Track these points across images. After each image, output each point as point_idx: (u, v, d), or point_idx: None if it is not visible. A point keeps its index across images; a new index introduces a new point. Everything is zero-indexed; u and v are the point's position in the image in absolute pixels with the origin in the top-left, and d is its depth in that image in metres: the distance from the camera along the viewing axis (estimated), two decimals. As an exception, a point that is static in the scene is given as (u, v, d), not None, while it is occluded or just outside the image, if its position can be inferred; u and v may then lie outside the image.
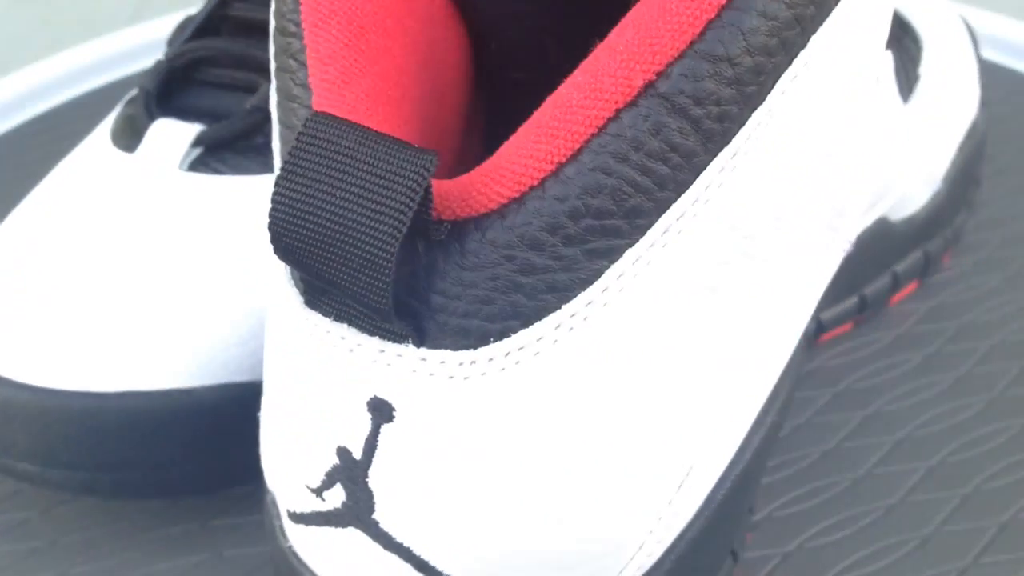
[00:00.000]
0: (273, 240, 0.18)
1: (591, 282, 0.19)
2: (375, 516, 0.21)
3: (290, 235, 0.18)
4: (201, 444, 0.27)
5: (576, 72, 0.19)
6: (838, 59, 0.20)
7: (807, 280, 0.23)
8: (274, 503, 0.24)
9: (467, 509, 0.20)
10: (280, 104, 0.21)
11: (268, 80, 0.31)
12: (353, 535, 0.21)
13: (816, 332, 0.34)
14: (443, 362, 0.19)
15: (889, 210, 0.33)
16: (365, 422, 0.20)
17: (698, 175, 0.19)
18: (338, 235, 0.18)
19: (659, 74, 0.19)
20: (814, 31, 0.19)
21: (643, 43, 0.19)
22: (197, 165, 0.29)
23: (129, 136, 0.31)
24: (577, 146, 0.19)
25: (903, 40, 0.35)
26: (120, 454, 0.27)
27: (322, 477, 0.21)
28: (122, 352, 0.27)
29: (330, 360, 0.20)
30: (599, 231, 0.19)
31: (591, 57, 0.19)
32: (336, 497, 0.21)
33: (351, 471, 0.20)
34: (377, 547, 0.21)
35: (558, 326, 0.19)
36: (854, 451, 0.32)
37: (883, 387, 0.34)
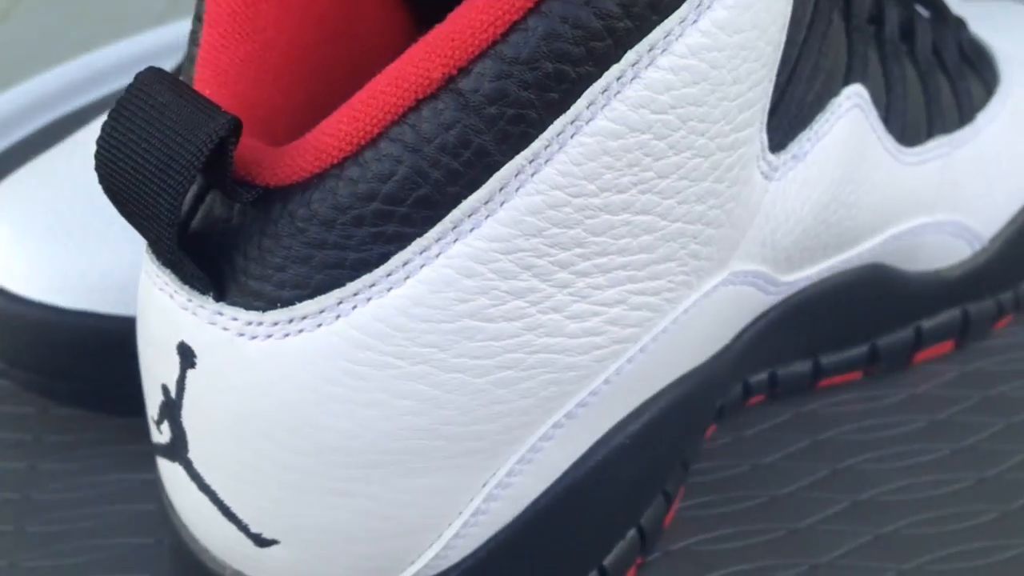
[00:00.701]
0: (100, 181, 0.20)
1: (376, 265, 0.20)
2: (189, 455, 0.22)
3: (109, 178, 0.20)
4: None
5: (394, 61, 0.20)
6: (672, 80, 0.20)
7: (642, 302, 0.22)
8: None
9: (254, 465, 0.21)
10: (184, 67, 0.23)
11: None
12: (178, 470, 0.23)
13: (813, 375, 0.32)
14: (235, 319, 0.20)
15: (897, 260, 0.31)
16: (175, 365, 0.21)
17: (491, 174, 0.19)
18: (139, 184, 0.19)
19: (461, 70, 0.19)
20: (630, 46, 0.19)
21: (448, 39, 0.19)
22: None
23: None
24: (377, 131, 0.19)
25: (967, 63, 0.33)
26: (73, 366, 0.30)
27: (157, 410, 0.22)
28: (85, 276, 0.29)
29: (157, 303, 0.21)
30: (388, 216, 0.20)
31: (409, 48, 0.20)
32: (167, 431, 0.22)
33: (170, 409, 0.22)
34: (193, 486, 0.22)
35: (340, 302, 0.20)
36: (809, 502, 0.30)
37: (869, 444, 0.32)
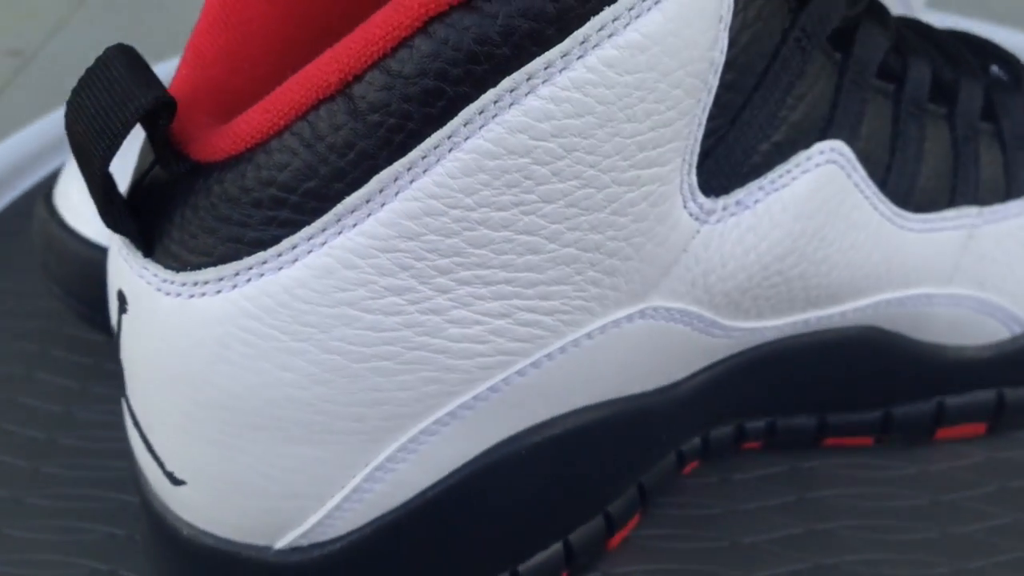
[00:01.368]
0: (68, 138, 0.23)
1: (269, 245, 0.22)
2: (127, 391, 0.25)
3: (71, 137, 0.23)
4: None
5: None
6: (552, 110, 0.21)
7: (531, 319, 0.23)
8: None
9: (163, 409, 0.24)
10: None
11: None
12: (125, 403, 0.26)
13: (817, 431, 0.32)
14: (155, 275, 0.23)
15: (903, 327, 0.30)
16: (115, 307, 0.24)
17: (371, 176, 0.21)
18: (85, 144, 0.22)
19: (355, 77, 0.21)
20: (508, 72, 0.20)
21: (348, 48, 0.21)
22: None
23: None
24: (283, 125, 0.22)
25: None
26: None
27: (115, 345, 0.25)
28: None
29: (112, 250, 0.24)
30: (282, 203, 0.22)
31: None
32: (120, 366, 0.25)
33: (115, 347, 0.25)
34: (131, 421, 0.25)
35: (237, 273, 0.22)
36: (770, 555, 0.30)
37: (856, 511, 0.31)
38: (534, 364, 0.24)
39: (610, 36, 0.21)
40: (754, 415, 0.31)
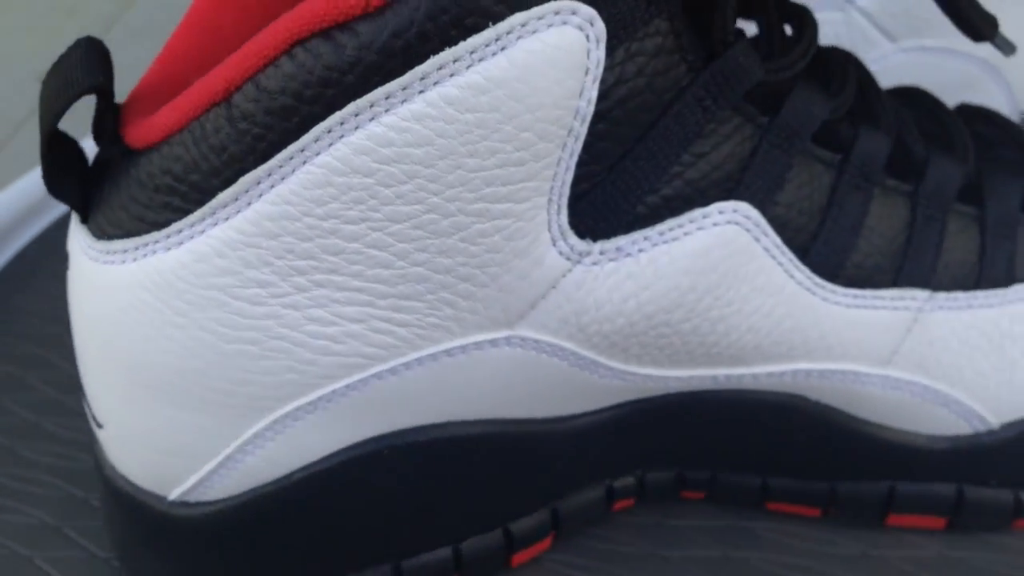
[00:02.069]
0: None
1: (162, 227, 0.25)
2: (75, 339, 0.28)
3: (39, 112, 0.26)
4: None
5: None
6: (393, 137, 0.22)
7: (385, 328, 0.25)
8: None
9: (84, 357, 0.27)
10: None
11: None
12: (75, 350, 0.29)
13: (760, 493, 0.32)
14: (84, 239, 0.26)
15: (834, 401, 0.30)
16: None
17: (239, 177, 0.24)
18: (40, 119, 0.26)
19: (237, 88, 0.23)
20: (353, 98, 0.22)
21: (236, 60, 0.23)
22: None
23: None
24: (184, 122, 0.24)
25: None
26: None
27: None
28: None
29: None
30: (174, 191, 0.24)
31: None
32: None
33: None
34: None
35: (137, 247, 0.25)
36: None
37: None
38: (392, 371, 0.25)
39: (451, 75, 0.22)
40: (693, 465, 0.32)
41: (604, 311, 0.26)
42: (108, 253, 0.26)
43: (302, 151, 0.23)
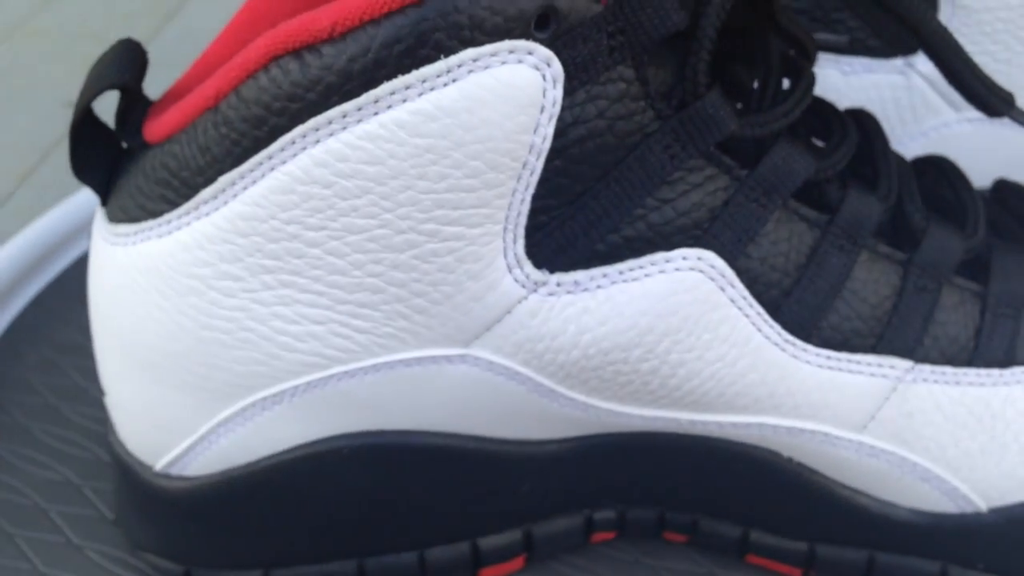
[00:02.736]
0: None
1: (157, 216, 0.27)
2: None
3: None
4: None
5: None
6: (348, 153, 0.24)
7: (343, 332, 0.26)
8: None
9: (93, 327, 0.30)
10: None
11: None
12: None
13: (740, 544, 0.32)
14: (101, 221, 0.29)
15: (807, 460, 0.29)
16: (92, 241, 0.30)
17: (219, 176, 0.25)
18: (75, 109, 0.29)
19: (225, 96, 0.25)
20: (314, 114, 0.24)
21: (226, 71, 0.26)
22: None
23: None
24: (185, 122, 0.27)
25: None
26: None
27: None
28: None
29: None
30: (168, 184, 0.27)
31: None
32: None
33: (93, 275, 0.31)
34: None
35: (136, 233, 0.27)
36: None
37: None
38: (350, 374, 0.27)
39: (403, 101, 0.23)
40: (673, 506, 0.32)
41: (559, 342, 0.26)
42: (115, 235, 0.28)
43: (270, 158, 0.25)
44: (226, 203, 0.25)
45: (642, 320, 0.26)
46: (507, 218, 0.25)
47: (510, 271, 0.26)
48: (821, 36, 0.37)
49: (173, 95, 0.29)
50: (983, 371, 0.29)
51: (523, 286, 0.26)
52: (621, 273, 0.26)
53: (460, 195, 0.24)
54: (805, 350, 0.28)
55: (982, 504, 0.29)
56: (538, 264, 0.26)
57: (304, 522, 0.30)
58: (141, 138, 0.28)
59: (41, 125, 0.63)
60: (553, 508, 0.31)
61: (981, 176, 0.38)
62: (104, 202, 0.29)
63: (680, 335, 0.27)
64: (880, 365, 0.28)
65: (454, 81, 0.23)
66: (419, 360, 0.27)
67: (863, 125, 0.30)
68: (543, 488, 0.30)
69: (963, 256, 0.29)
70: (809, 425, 0.28)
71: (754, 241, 0.27)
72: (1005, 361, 0.29)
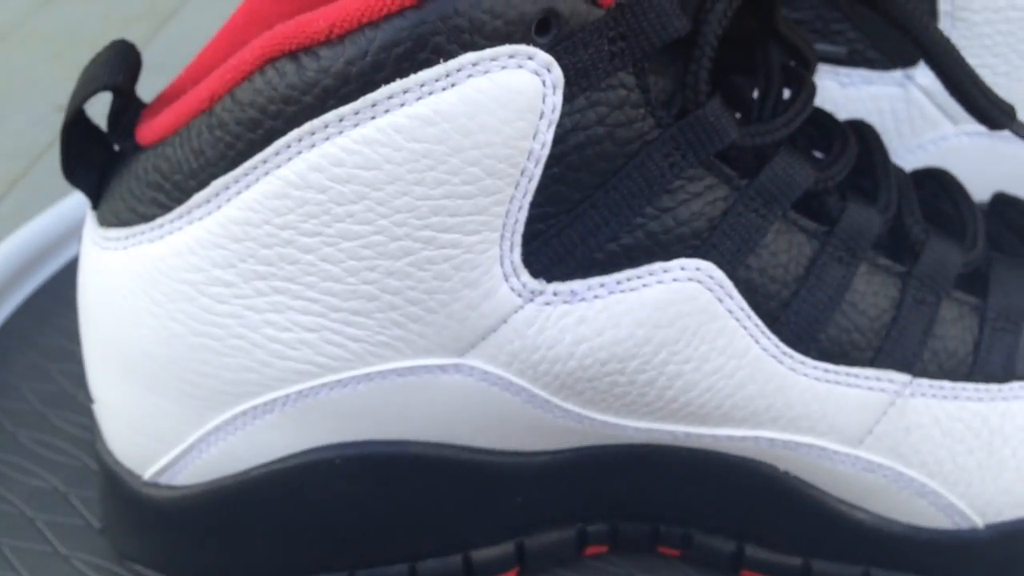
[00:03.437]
0: None
1: (149, 220, 0.27)
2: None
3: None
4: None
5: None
6: (344, 158, 0.24)
7: (337, 340, 0.26)
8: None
9: (80, 330, 0.29)
10: None
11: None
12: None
13: (734, 559, 0.31)
14: (91, 224, 0.28)
15: (803, 473, 0.29)
16: (82, 243, 0.30)
17: (212, 180, 0.25)
18: (66, 111, 0.28)
19: (219, 98, 0.25)
20: (310, 117, 0.24)
21: (220, 73, 0.25)
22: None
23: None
24: (178, 125, 0.26)
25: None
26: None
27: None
28: None
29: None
30: (160, 188, 0.26)
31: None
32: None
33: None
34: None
35: (127, 237, 0.27)
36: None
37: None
38: (342, 383, 0.26)
39: (401, 105, 0.23)
40: (667, 520, 0.31)
41: (555, 351, 0.26)
42: (106, 240, 0.27)
43: (265, 162, 0.24)
44: (219, 207, 0.25)
45: (639, 331, 0.26)
46: (504, 225, 0.25)
47: (507, 280, 0.25)
48: (820, 47, 0.37)
49: (167, 97, 0.29)
50: (981, 386, 0.28)
51: (519, 295, 0.26)
52: (619, 283, 0.26)
53: (457, 202, 0.24)
54: (803, 362, 0.27)
55: (978, 520, 0.29)
56: (535, 273, 0.26)
57: (295, 533, 0.29)
58: (133, 140, 0.28)
59: (34, 129, 0.63)
60: (546, 520, 0.31)
61: (979, 189, 0.38)
62: (95, 205, 0.28)
63: (677, 346, 0.26)
64: (878, 379, 0.28)
65: (453, 86, 0.23)
66: (413, 369, 0.26)
67: (863, 136, 0.30)
68: (536, 500, 0.30)
69: (962, 269, 0.28)
70: (806, 439, 0.28)
71: (753, 252, 0.26)
72: (1003, 376, 0.29)
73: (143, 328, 0.27)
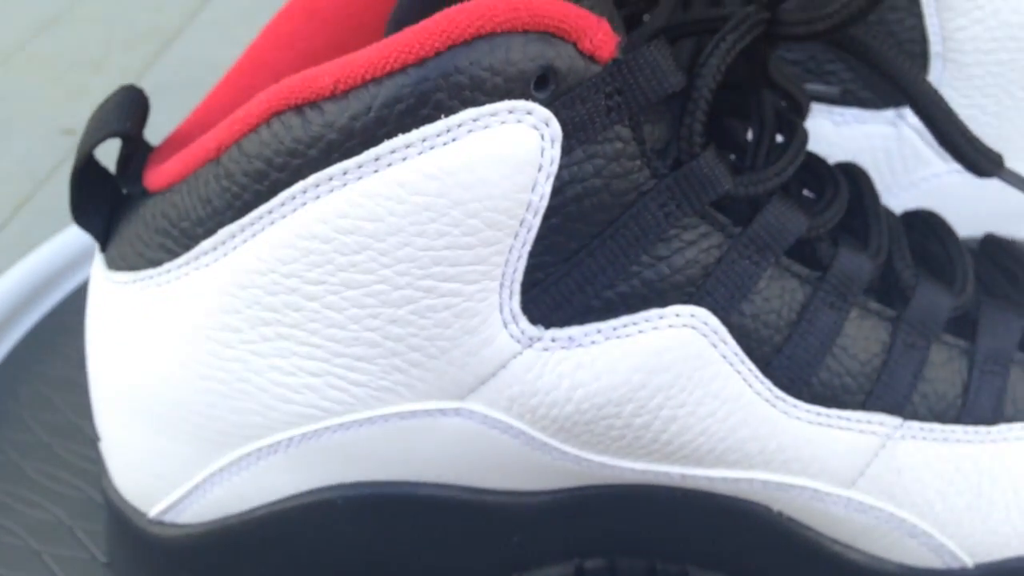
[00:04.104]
0: None
1: (156, 265, 0.27)
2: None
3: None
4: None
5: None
6: (348, 210, 0.24)
7: (340, 384, 0.26)
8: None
9: (88, 368, 0.30)
10: None
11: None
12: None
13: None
14: (100, 266, 0.29)
15: (797, 515, 0.29)
16: (92, 282, 0.31)
17: (219, 228, 0.26)
18: (75, 158, 0.29)
19: (226, 148, 0.26)
20: (316, 170, 0.24)
21: (228, 124, 0.26)
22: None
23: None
24: (185, 173, 0.27)
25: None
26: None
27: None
28: None
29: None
30: (168, 234, 0.27)
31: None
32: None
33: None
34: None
35: (135, 281, 0.28)
36: None
37: None
38: (345, 426, 0.27)
39: (403, 160, 0.24)
40: (665, 557, 0.32)
41: (553, 396, 0.27)
42: (114, 283, 0.28)
43: (271, 212, 0.25)
44: (226, 255, 0.26)
45: (635, 376, 0.27)
46: (503, 274, 0.25)
47: (506, 326, 0.26)
48: (814, 87, 0.37)
49: (174, 142, 0.29)
50: (970, 428, 0.29)
51: (518, 341, 0.26)
52: (615, 329, 0.26)
53: (457, 252, 0.25)
54: (795, 406, 0.28)
55: (968, 560, 0.30)
56: (533, 320, 0.26)
57: (297, 572, 0.30)
58: (141, 186, 0.28)
59: (38, 153, 0.64)
60: (544, 557, 0.31)
61: (971, 227, 0.39)
62: (103, 248, 0.29)
63: (672, 391, 0.27)
64: (869, 422, 0.28)
65: (454, 140, 0.24)
66: (414, 413, 0.27)
67: (855, 180, 0.30)
68: (535, 538, 0.30)
69: (951, 314, 0.29)
70: (799, 481, 0.29)
71: (746, 298, 0.27)
72: (992, 418, 0.29)
73: (150, 370, 0.28)
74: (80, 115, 0.28)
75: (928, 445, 0.29)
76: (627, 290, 0.26)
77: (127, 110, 0.28)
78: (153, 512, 0.30)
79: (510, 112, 0.24)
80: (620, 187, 0.25)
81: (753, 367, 0.27)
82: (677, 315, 0.27)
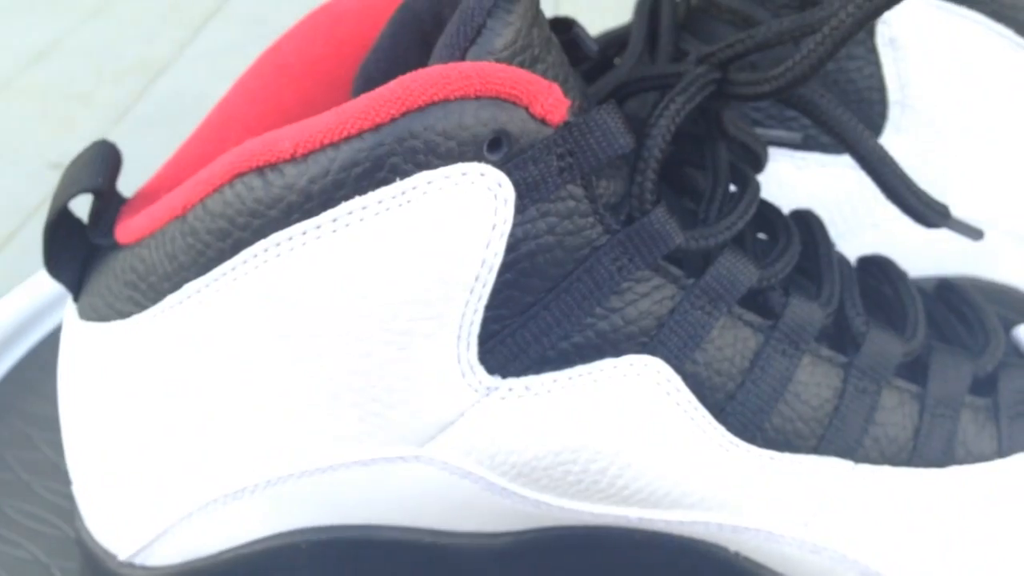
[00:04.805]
0: None
1: (125, 316, 0.28)
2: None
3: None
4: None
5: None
6: (306, 267, 0.25)
7: (304, 430, 0.27)
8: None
9: (61, 409, 0.31)
10: None
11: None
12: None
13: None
14: (72, 315, 0.30)
15: (757, 556, 0.30)
16: (64, 331, 0.31)
17: (184, 284, 0.27)
18: (48, 211, 0.30)
19: (192, 206, 0.27)
20: (275, 230, 0.25)
21: (194, 183, 0.27)
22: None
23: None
24: (153, 228, 0.28)
25: (996, 416, 0.30)
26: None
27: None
28: None
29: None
30: (135, 287, 0.28)
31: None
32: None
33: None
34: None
35: (105, 332, 0.28)
36: None
37: None
38: (307, 473, 0.28)
39: (361, 220, 0.25)
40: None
41: (511, 444, 0.28)
42: (85, 332, 0.29)
43: (234, 269, 0.26)
44: (191, 310, 0.27)
45: (590, 424, 0.28)
46: (460, 327, 0.26)
47: (463, 377, 0.27)
48: (776, 133, 0.38)
49: (144, 196, 0.30)
50: (922, 471, 0.30)
51: (476, 391, 0.27)
52: (571, 379, 0.27)
53: (415, 307, 0.25)
54: (748, 451, 0.29)
55: None
56: (490, 370, 0.27)
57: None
58: (112, 239, 0.29)
59: (25, 187, 0.64)
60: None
61: (930, 266, 0.39)
62: (76, 298, 0.30)
63: (627, 438, 0.28)
64: (819, 465, 0.29)
65: (409, 203, 0.24)
66: (375, 460, 0.28)
67: (809, 228, 0.31)
68: (499, 577, 0.31)
69: (903, 359, 0.30)
70: (752, 523, 0.29)
71: (699, 347, 0.28)
72: (943, 461, 0.30)
73: (118, 419, 0.28)
74: (68, 149, 0.28)
75: (880, 488, 0.30)
76: (582, 341, 0.27)
77: (99, 165, 0.29)
78: (123, 555, 0.30)
79: (463, 174, 0.24)
80: (573, 243, 0.26)
81: (707, 414, 0.28)
82: (631, 364, 0.27)
